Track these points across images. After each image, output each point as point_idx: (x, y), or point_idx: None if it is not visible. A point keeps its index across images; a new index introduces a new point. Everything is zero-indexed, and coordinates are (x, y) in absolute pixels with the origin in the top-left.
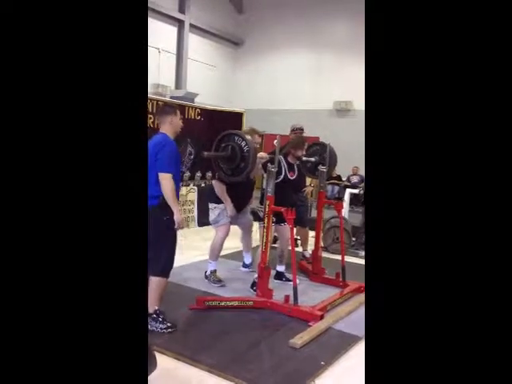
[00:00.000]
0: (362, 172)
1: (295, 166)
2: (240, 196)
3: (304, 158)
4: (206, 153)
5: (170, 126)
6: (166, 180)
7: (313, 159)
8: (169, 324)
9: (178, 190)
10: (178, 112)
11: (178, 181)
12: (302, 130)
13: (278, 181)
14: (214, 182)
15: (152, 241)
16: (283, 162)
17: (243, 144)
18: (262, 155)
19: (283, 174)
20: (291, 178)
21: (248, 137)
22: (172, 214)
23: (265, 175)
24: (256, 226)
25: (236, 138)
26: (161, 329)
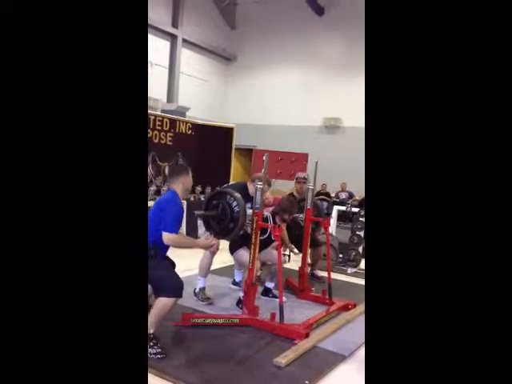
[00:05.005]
0: (350, 188)
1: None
2: None
3: None
4: (196, 212)
5: (181, 186)
6: (171, 241)
7: None
8: (159, 350)
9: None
10: (190, 170)
11: (177, 233)
12: (306, 179)
13: (263, 238)
14: None
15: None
16: (270, 220)
17: (234, 204)
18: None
19: (268, 233)
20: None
21: (254, 186)
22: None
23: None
24: None
25: (228, 197)
26: (150, 353)
